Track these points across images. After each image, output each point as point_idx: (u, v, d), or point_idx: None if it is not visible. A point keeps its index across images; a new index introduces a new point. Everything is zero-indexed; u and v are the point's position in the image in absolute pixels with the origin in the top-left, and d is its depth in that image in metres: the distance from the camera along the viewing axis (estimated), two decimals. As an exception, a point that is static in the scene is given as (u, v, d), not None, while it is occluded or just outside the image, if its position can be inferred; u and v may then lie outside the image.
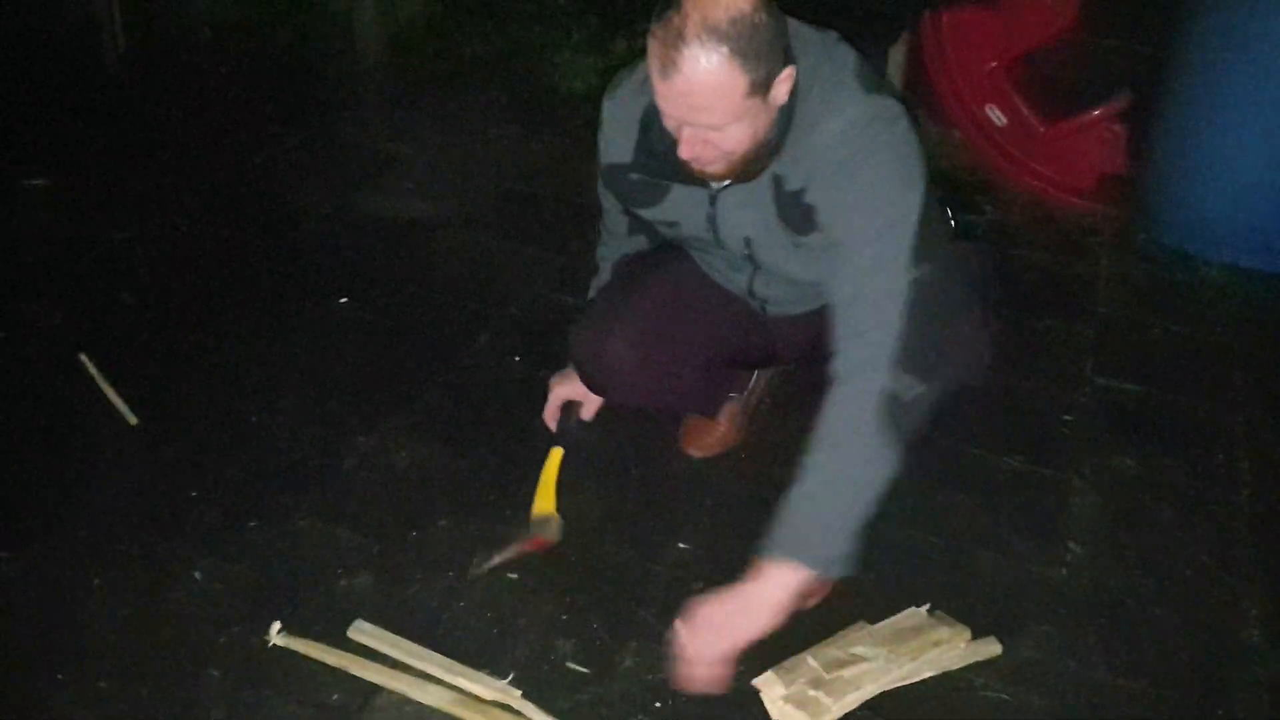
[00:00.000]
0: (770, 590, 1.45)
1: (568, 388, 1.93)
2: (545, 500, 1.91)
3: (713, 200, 1.62)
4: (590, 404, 1.93)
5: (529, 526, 1.89)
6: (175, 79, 3.55)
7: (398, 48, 3.72)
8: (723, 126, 1.41)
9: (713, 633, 1.47)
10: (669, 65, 1.35)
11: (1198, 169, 2.71)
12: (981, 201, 2.95)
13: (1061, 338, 2.51)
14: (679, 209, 1.67)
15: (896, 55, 2.95)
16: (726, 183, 1.57)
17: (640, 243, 1.89)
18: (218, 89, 3.51)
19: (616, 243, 1.91)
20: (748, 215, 1.61)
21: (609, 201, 1.83)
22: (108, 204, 2.87)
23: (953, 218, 1.76)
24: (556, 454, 1.94)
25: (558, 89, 3.48)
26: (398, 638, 1.73)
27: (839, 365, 1.49)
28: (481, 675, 1.67)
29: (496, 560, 1.84)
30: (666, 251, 1.85)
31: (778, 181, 1.55)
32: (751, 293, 1.79)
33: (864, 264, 1.48)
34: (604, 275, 1.94)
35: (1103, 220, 2.92)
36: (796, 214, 1.56)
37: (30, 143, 3.13)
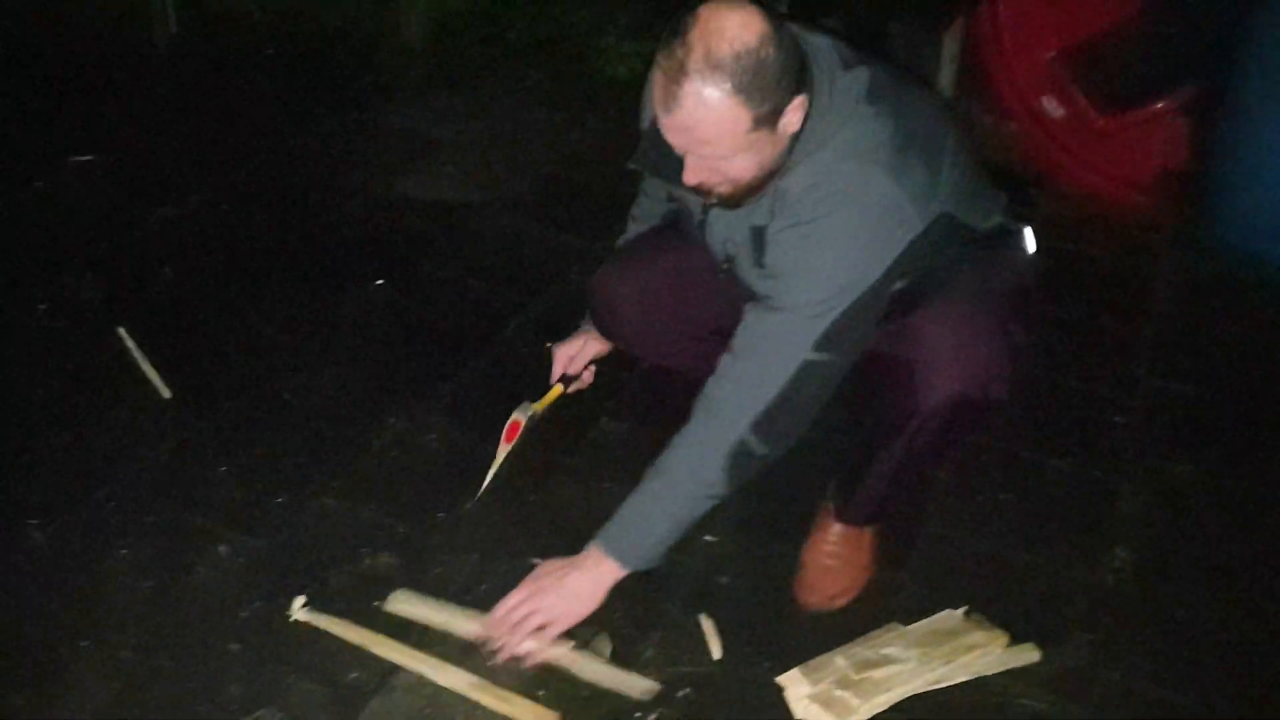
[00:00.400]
0: (590, 578, 1.61)
1: (564, 345, 1.98)
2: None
3: (705, 209, 1.61)
4: (583, 355, 1.97)
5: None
6: (224, 60, 3.57)
7: (443, 33, 3.72)
8: (728, 158, 1.39)
9: (535, 604, 1.60)
10: (670, 99, 1.33)
11: (1263, 164, 2.60)
12: (1036, 196, 2.86)
13: (1116, 337, 2.43)
14: (680, 203, 1.68)
15: (950, 42, 2.88)
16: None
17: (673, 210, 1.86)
18: (265, 71, 3.53)
19: (650, 204, 1.90)
20: (730, 234, 1.59)
21: None
22: (152, 182, 2.89)
23: (1005, 214, 1.69)
24: (555, 389, 1.98)
25: (601, 75, 3.45)
26: (437, 602, 1.74)
27: (708, 399, 1.56)
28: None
29: (490, 476, 1.89)
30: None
31: (752, 210, 1.53)
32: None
33: (775, 323, 1.50)
34: (629, 234, 1.94)
35: (1162, 217, 2.82)
36: (758, 245, 1.54)
37: (80, 121, 3.17)
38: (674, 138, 1.39)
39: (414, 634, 1.69)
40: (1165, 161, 2.88)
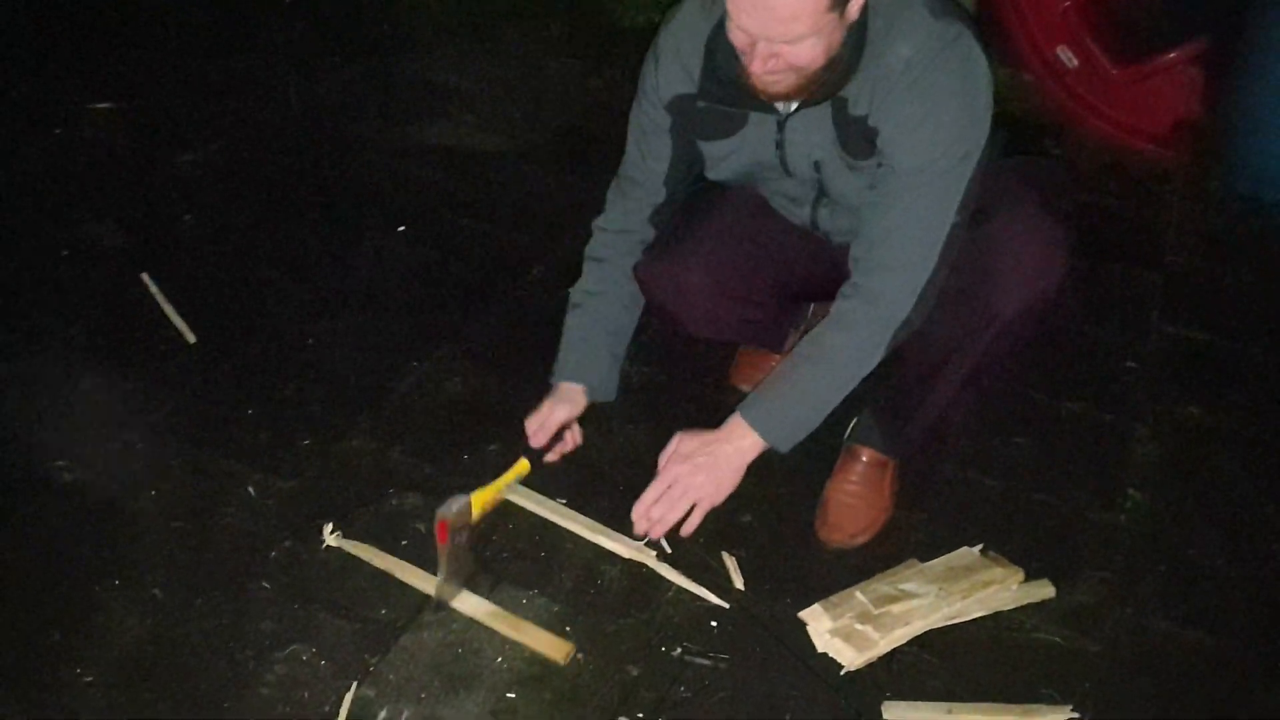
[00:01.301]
0: (732, 452, 1.60)
1: (535, 415, 1.81)
2: (482, 496, 1.70)
3: (780, 126, 1.59)
4: (550, 423, 1.79)
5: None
6: (241, 7, 3.56)
7: (460, -19, 3.70)
8: (798, 40, 1.38)
9: (686, 484, 1.59)
10: None
11: (1275, 114, 2.60)
12: (1050, 145, 2.87)
13: (1128, 284, 2.44)
14: (748, 138, 1.63)
15: (967, -8, 2.86)
16: (794, 107, 1.54)
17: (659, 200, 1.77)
18: (283, 19, 3.51)
19: (616, 233, 1.80)
20: (815, 139, 1.58)
21: (646, 147, 1.71)
22: (172, 129, 2.90)
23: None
24: (523, 465, 1.79)
25: (618, 24, 3.44)
26: (544, 498, 1.83)
27: (866, 288, 1.55)
28: (621, 535, 1.78)
29: (438, 581, 1.66)
30: (727, 186, 1.80)
31: (841, 105, 1.53)
32: (815, 224, 1.75)
33: (916, 198, 1.50)
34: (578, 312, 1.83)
35: (1175, 166, 2.83)
36: (858, 138, 1.54)
37: (97, 68, 3.17)
38: (751, 19, 1.37)
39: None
40: (1179, 112, 2.89)
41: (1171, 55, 2.85)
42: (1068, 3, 2.93)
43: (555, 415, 1.79)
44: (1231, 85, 2.70)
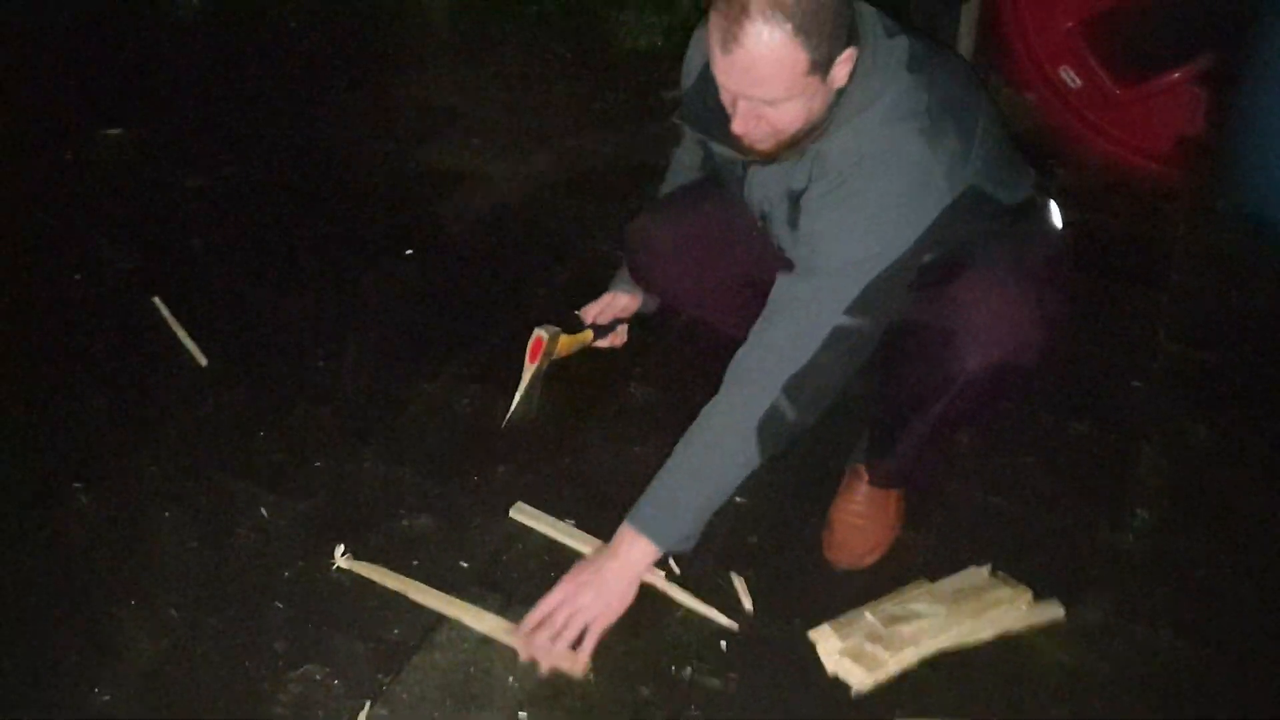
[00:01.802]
0: (624, 565, 1.59)
1: (625, 298, 2.00)
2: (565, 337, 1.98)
3: (745, 165, 1.63)
4: (611, 309, 2.00)
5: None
6: (248, 34, 3.60)
7: (464, 5, 3.74)
8: (778, 103, 1.39)
9: (572, 605, 1.57)
10: (730, 39, 1.34)
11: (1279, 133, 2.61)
12: (1054, 165, 2.89)
13: (1134, 303, 2.45)
14: (721, 158, 1.68)
15: (969, 13, 2.89)
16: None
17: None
18: (288, 44, 3.55)
19: (688, 158, 1.90)
20: (769, 193, 1.61)
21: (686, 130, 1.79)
22: (181, 154, 2.92)
23: (1034, 189, 1.71)
24: (587, 335, 2.01)
25: (621, 47, 3.47)
26: (554, 519, 1.85)
27: (740, 365, 1.57)
28: None
29: (517, 396, 1.93)
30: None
31: (790, 174, 1.55)
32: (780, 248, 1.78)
33: (808, 288, 1.51)
34: (667, 184, 1.96)
35: (1179, 185, 2.84)
36: (794, 210, 1.56)
37: (108, 94, 3.20)
38: (729, 79, 1.39)
39: (450, 583, 1.74)
40: (1182, 131, 2.90)
41: (1174, 74, 2.86)
42: (1070, 23, 2.95)
43: (618, 300, 1.99)
44: (1235, 104, 2.71)
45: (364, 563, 1.77)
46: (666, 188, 1.94)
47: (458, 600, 1.71)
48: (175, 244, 2.57)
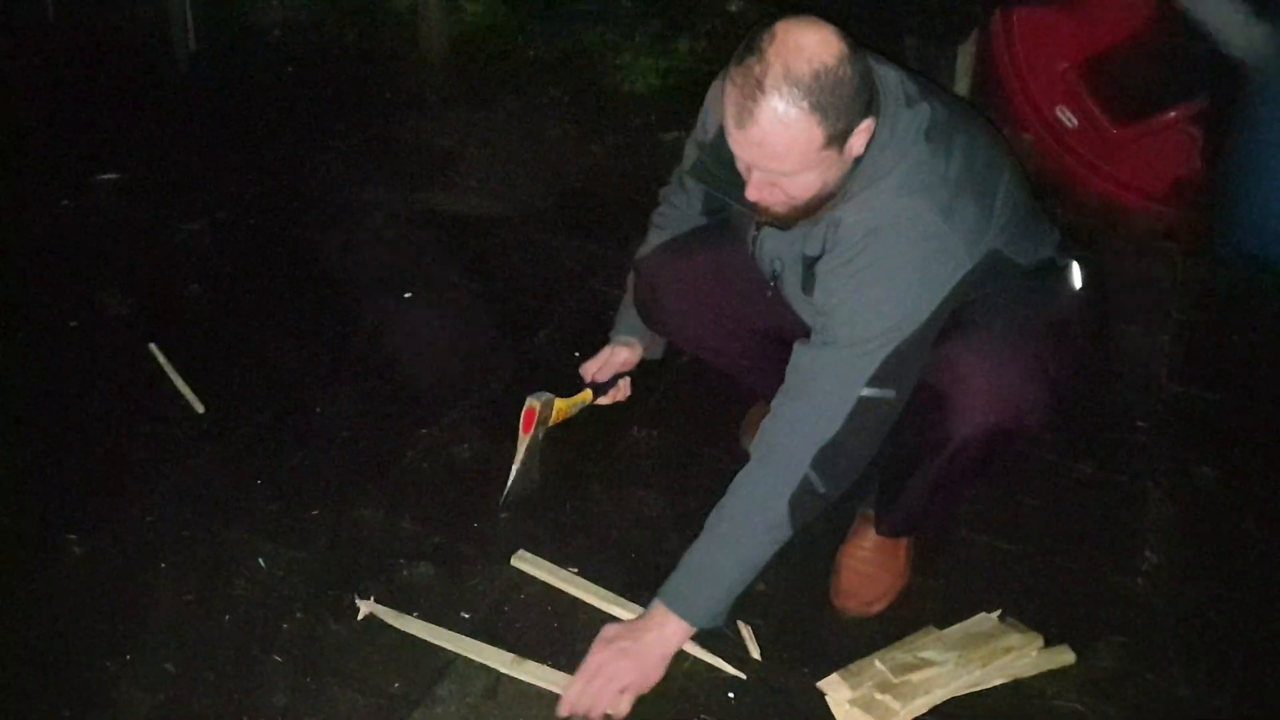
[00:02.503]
0: (658, 641, 1.59)
1: (593, 361, 1.95)
2: (560, 402, 1.91)
3: (758, 226, 1.62)
4: (610, 364, 1.94)
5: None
6: (245, 78, 3.61)
7: (461, 49, 3.76)
8: (794, 174, 1.39)
9: (608, 676, 1.57)
10: (745, 115, 1.34)
11: (1274, 173, 2.62)
12: (1052, 205, 2.89)
13: (1135, 344, 2.45)
14: (734, 215, 1.67)
15: (966, 54, 2.90)
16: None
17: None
18: (286, 88, 3.57)
19: (676, 215, 1.86)
20: (782, 252, 1.61)
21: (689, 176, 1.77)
22: (177, 199, 2.92)
23: (1056, 249, 1.70)
24: (587, 394, 1.94)
25: (619, 90, 3.49)
26: (556, 567, 1.83)
27: (767, 441, 1.56)
28: (634, 605, 1.75)
29: (513, 472, 1.86)
30: None
31: (805, 234, 1.54)
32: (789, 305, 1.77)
33: (826, 361, 1.50)
34: (650, 242, 1.88)
35: (1177, 225, 2.85)
36: (808, 276, 1.55)
37: (103, 139, 3.20)
38: (744, 152, 1.39)
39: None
40: (1179, 170, 2.91)
41: (1171, 114, 2.88)
42: (1066, 64, 2.97)
43: (617, 355, 1.93)
44: (1231, 143, 2.73)
45: (386, 608, 1.75)
46: (650, 242, 1.88)
47: (473, 642, 1.70)
48: (172, 290, 2.55)
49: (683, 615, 1.58)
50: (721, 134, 1.52)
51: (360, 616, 1.74)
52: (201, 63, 3.66)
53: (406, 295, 2.56)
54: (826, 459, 1.50)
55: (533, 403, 1.87)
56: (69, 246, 2.72)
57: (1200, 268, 2.71)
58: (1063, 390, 1.57)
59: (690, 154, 1.75)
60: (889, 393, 1.49)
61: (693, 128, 1.74)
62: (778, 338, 1.82)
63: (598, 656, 1.59)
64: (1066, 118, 2.99)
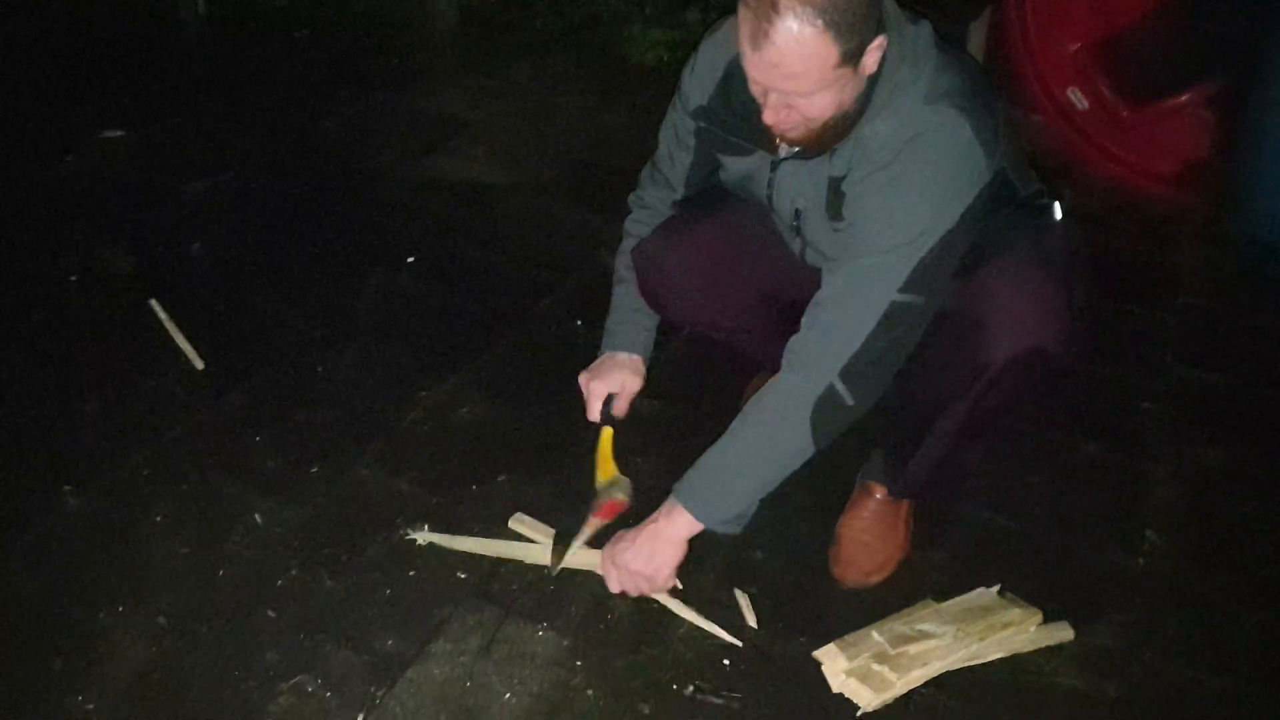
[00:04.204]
0: (671, 533, 1.62)
1: (601, 382, 1.86)
2: (606, 470, 1.86)
3: (774, 166, 1.60)
4: (624, 395, 1.87)
5: (596, 496, 1.82)
6: (253, 41, 3.60)
7: (471, 18, 3.74)
8: (809, 94, 1.38)
9: (627, 569, 1.64)
10: (760, 35, 1.33)
11: (1288, 158, 2.61)
12: (1061, 187, 2.87)
13: (1142, 325, 2.43)
14: (750, 165, 1.65)
15: (977, 33, 2.88)
16: (794, 150, 1.54)
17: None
18: (295, 52, 3.55)
19: (650, 216, 1.81)
20: (802, 188, 1.59)
21: (673, 145, 1.74)
22: (182, 158, 2.91)
23: (1042, 193, 1.70)
24: (607, 432, 1.88)
25: (628, 61, 3.47)
26: (552, 530, 1.82)
27: (796, 350, 1.56)
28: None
29: (577, 545, 1.76)
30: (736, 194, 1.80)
31: (828, 161, 1.53)
32: (803, 260, 1.75)
33: (861, 268, 1.50)
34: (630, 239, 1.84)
35: (1186, 208, 2.83)
36: (834, 196, 1.55)
37: (111, 97, 3.19)
38: (760, 74, 1.38)
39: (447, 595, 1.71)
40: (1190, 153, 2.89)
41: (1183, 97, 2.86)
42: (1078, 44, 2.95)
43: (629, 387, 1.86)
44: (1244, 128, 2.71)
45: (441, 535, 1.81)
46: (645, 227, 1.82)
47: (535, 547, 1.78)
48: (174, 248, 2.54)
49: (692, 511, 1.60)
50: (726, 79, 1.52)
51: (417, 544, 1.80)
52: (210, 26, 3.64)
53: (410, 260, 2.54)
54: (854, 368, 1.50)
55: (620, 499, 1.79)
56: (72, 201, 2.71)
57: (1208, 251, 2.69)
58: (1082, 315, 1.58)
59: (671, 132, 1.72)
60: (919, 298, 1.49)
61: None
62: (786, 299, 1.81)
63: (607, 574, 1.66)
64: (1077, 99, 2.97)
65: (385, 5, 3.80)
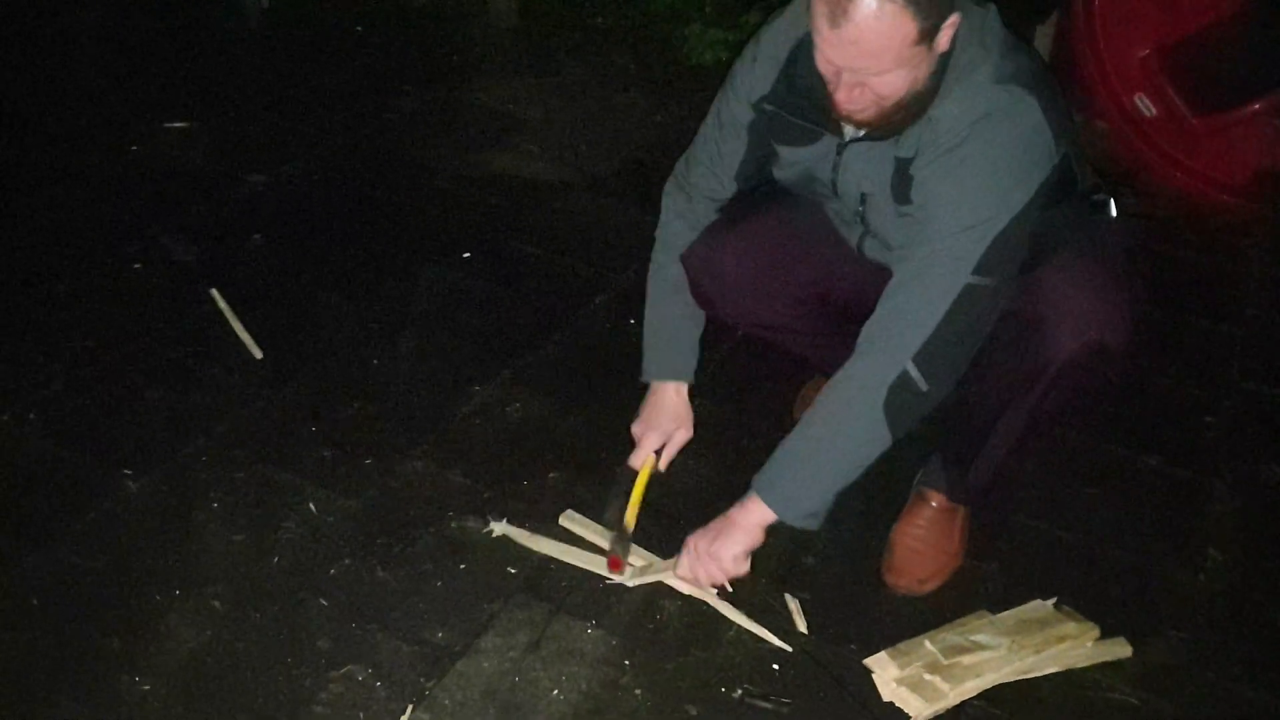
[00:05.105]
0: (745, 520, 1.63)
1: (653, 435, 1.90)
2: (633, 515, 1.83)
3: (840, 150, 1.58)
4: (673, 445, 1.92)
5: (621, 537, 1.80)
6: (315, 35, 3.63)
7: (530, 14, 3.75)
8: (885, 72, 1.37)
9: (701, 558, 1.66)
10: (839, 13, 1.33)
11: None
12: (1127, 194, 2.82)
13: (1207, 338, 2.38)
14: (815, 151, 1.63)
15: (1043, 36, 2.84)
16: (860, 134, 1.52)
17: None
18: (355, 47, 3.58)
19: (685, 230, 1.81)
20: (869, 171, 1.57)
21: (722, 137, 1.70)
22: (244, 150, 2.94)
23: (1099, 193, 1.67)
24: (646, 470, 1.89)
25: (686, 60, 3.46)
26: (603, 528, 1.82)
27: (868, 335, 1.54)
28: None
29: (634, 582, 1.76)
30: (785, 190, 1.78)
31: (897, 143, 1.52)
32: (861, 251, 1.73)
33: (933, 251, 1.48)
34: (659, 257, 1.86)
35: (1255, 219, 2.76)
36: (902, 179, 1.53)
37: (175, 88, 3.24)
38: (836, 53, 1.37)
39: (497, 590, 1.71)
40: (1261, 163, 2.82)
41: (1255, 105, 2.79)
42: (1146, 50, 2.89)
43: (678, 437, 1.91)
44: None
45: (518, 528, 1.82)
46: (689, 233, 1.80)
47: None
48: (235, 238, 2.57)
49: (768, 503, 1.60)
50: (789, 67, 1.53)
51: (492, 535, 1.81)
52: (273, 19, 3.68)
53: (466, 255, 2.55)
54: (928, 352, 1.48)
55: (616, 551, 1.78)
56: (136, 191, 2.75)
57: (1276, 263, 2.63)
58: (1139, 315, 1.56)
59: (715, 126, 1.71)
60: (993, 280, 1.47)
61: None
62: (840, 299, 1.79)
63: (684, 569, 1.69)
64: (1145, 106, 2.91)
65: (444, 1, 3.83)
